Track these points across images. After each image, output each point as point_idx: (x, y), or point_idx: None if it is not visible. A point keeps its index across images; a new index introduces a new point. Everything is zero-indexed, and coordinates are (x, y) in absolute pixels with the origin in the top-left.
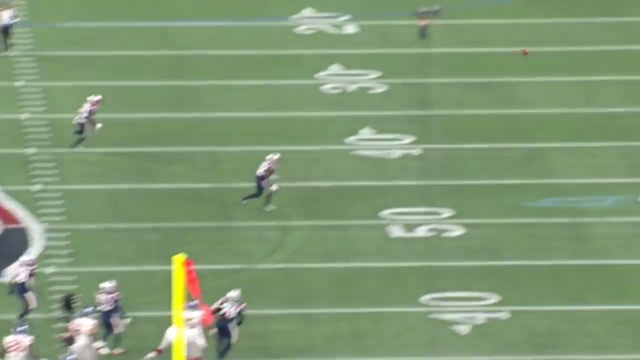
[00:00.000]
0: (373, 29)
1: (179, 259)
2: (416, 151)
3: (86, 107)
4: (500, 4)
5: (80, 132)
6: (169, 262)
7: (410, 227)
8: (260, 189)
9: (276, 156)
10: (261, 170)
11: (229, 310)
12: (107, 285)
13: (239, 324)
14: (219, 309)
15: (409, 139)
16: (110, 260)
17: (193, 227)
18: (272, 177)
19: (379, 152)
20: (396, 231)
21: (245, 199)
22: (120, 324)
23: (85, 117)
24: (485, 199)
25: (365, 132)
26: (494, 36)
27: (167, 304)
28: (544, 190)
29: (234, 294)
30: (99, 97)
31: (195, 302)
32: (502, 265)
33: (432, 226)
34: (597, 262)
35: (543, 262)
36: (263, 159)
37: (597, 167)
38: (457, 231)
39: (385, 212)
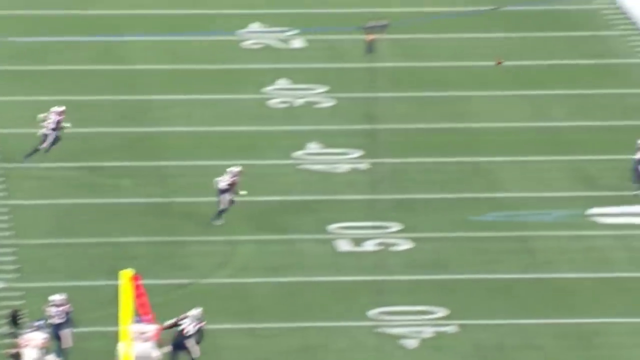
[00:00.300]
0: (320, 44)
1: (126, 274)
2: (364, 165)
3: (53, 118)
4: (447, 19)
5: (43, 142)
6: (117, 277)
7: (358, 241)
8: (230, 202)
9: (237, 168)
10: (224, 183)
11: (188, 327)
12: (56, 298)
13: (197, 342)
14: (177, 324)
15: (356, 153)
16: (57, 276)
17: (140, 242)
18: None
19: (327, 166)
20: (344, 245)
21: (220, 212)
22: (69, 338)
23: (52, 129)
24: (432, 213)
25: (313, 147)
26: (440, 51)
27: (116, 318)
28: (490, 204)
29: (195, 311)
30: (63, 108)
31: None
32: (449, 279)
33: (379, 240)
34: (544, 276)
35: (490, 276)
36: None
37: (543, 181)
38: (404, 245)
39: (333, 227)
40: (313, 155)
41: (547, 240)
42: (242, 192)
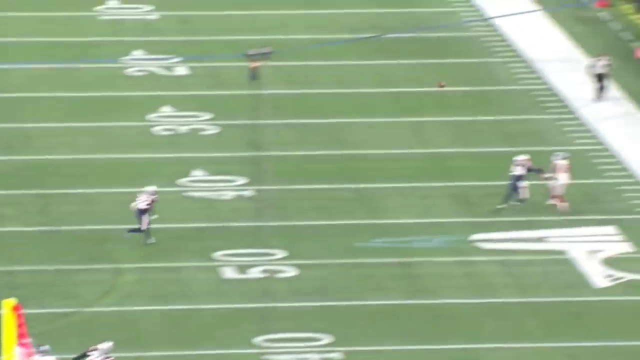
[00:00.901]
0: (204, 71)
1: (8, 303)
2: (248, 192)
3: None
4: (329, 47)
5: None
6: None
7: (243, 268)
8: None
9: (153, 188)
10: (143, 203)
11: (95, 359)
12: None
13: None
14: (85, 355)
15: (241, 181)
16: None
17: (24, 270)
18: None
19: (212, 193)
20: (229, 272)
21: (132, 230)
22: None
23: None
24: (317, 239)
25: (198, 174)
26: (323, 78)
27: None
28: (375, 230)
29: (105, 345)
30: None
31: (46, 346)
32: (335, 305)
33: (265, 267)
34: (428, 302)
35: (375, 302)
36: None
37: (426, 207)
38: (289, 272)
39: (218, 254)
40: (198, 183)
41: (431, 266)
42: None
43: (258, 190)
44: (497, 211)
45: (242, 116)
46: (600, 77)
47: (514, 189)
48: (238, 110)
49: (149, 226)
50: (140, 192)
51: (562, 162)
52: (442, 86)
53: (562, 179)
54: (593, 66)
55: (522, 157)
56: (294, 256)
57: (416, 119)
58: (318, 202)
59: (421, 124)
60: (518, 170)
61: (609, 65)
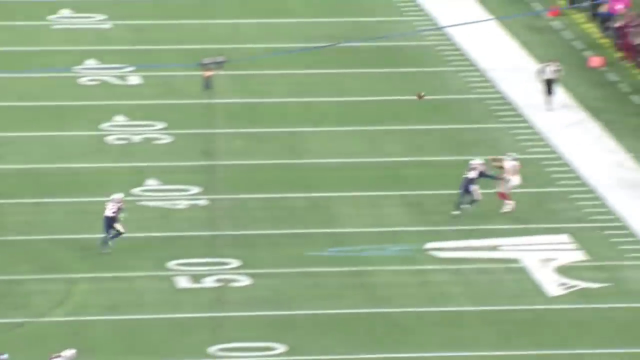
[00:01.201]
0: (157, 80)
1: None
2: (203, 202)
3: None
4: (283, 56)
5: None
6: None
7: (197, 277)
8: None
9: (120, 195)
10: (110, 211)
11: None
12: None
13: None
14: None
15: (195, 190)
16: None
17: None
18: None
19: (166, 202)
20: (183, 282)
21: (108, 240)
22: None
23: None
24: (271, 248)
25: (151, 183)
26: (277, 87)
27: None
28: (329, 239)
29: (68, 353)
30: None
31: (5, 355)
32: (289, 314)
33: (219, 277)
34: (382, 311)
35: (329, 311)
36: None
37: (380, 216)
38: (244, 281)
39: (172, 263)
40: (152, 192)
41: (385, 275)
42: (122, 229)
43: (212, 200)
44: (453, 218)
45: (195, 125)
46: (549, 83)
47: (466, 191)
48: (192, 119)
49: (111, 237)
50: (108, 200)
51: (512, 163)
52: (422, 97)
53: (513, 180)
54: (542, 72)
55: (477, 161)
56: (247, 265)
57: (370, 127)
58: (272, 212)
59: (375, 133)
60: (472, 174)
61: (558, 70)
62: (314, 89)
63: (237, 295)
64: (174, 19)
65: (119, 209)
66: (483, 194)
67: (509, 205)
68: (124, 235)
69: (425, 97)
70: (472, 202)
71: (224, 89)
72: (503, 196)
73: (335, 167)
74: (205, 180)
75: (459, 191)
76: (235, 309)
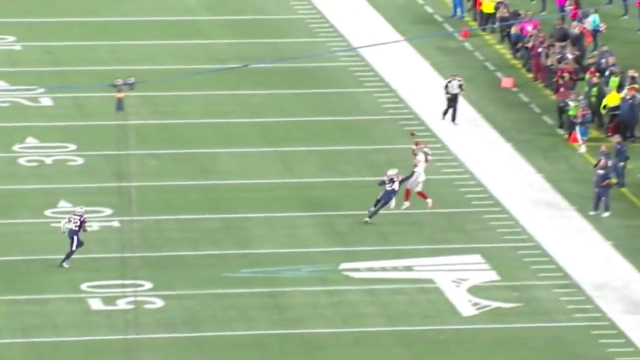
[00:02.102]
0: (69, 102)
1: None
2: (115, 223)
3: None
4: (196, 77)
5: None
6: None
7: (110, 299)
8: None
9: (82, 209)
10: (74, 224)
11: None
12: None
13: None
14: None
15: (108, 211)
16: None
17: None
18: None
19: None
20: (96, 304)
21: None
22: None
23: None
24: (185, 270)
25: (64, 205)
26: (189, 108)
27: None
28: (243, 260)
29: None
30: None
31: None
32: (203, 336)
33: (132, 299)
34: (297, 331)
35: (244, 332)
36: None
37: (294, 237)
38: (157, 303)
39: (86, 285)
40: (64, 214)
41: (300, 296)
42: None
43: (125, 221)
44: (365, 224)
45: (107, 147)
46: (454, 98)
47: (385, 202)
48: (104, 140)
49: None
50: (70, 213)
51: (425, 151)
52: (413, 134)
53: (422, 176)
54: (446, 87)
55: (394, 171)
56: (161, 287)
57: (283, 148)
58: (185, 233)
59: (288, 154)
60: (396, 186)
61: (460, 85)
62: (227, 110)
63: (151, 317)
64: (85, 40)
65: (82, 222)
66: (397, 214)
67: (407, 203)
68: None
69: (417, 134)
70: (385, 204)
71: (136, 110)
72: (407, 196)
73: (248, 188)
74: (118, 201)
75: (379, 200)
76: (150, 330)
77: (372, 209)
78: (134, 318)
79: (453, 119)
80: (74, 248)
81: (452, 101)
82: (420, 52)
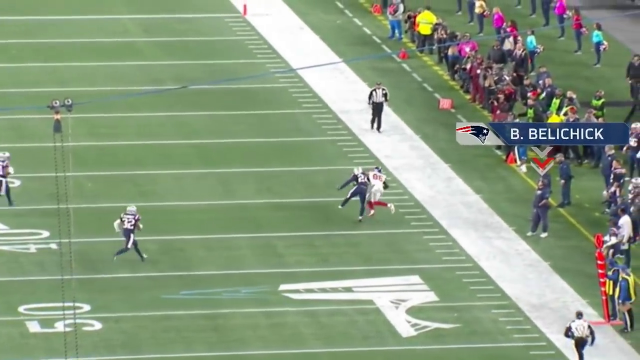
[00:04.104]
0: (5, 123)
1: None
2: (53, 245)
3: None
4: (131, 99)
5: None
6: None
7: (48, 322)
8: None
9: (133, 208)
10: (129, 224)
11: None
12: None
13: None
14: None
15: (45, 234)
16: None
17: None
18: None
19: (15, 246)
20: (34, 327)
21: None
22: None
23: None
24: (123, 292)
25: (1, 227)
26: (127, 129)
27: None
28: (182, 282)
29: None
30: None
31: None
32: (142, 358)
33: (70, 321)
34: (236, 353)
35: (183, 354)
36: None
37: (233, 258)
38: (96, 325)
39: (23, 308)
40: (1, 236)
41: (239, 317)
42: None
43: (62, 243)
44: (358, 223)
45: (44, 168)
46: (379, 106)
47: (362, 195)
48: (40, 162)
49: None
50: (125, 213)
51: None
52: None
53: (377, 184)
54: (370, 95)
55: (358, 170)
56: (99, 309)
57: (221, 170)
58: (124, 255)
59: (226, 175)
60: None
61: (385, 94)
62: (164, 131)
63: (89, 340)
64: (21, 62)
65: (137, 221)
66: (337, 235)
67: (372, 212)
68: None
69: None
70: (361, 207)
71: (73, 131)
72: (371, 205)
73: (186, 210)
74: (55, 223)
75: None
76: (88, 353)
77: (344, 202)
78: (73, 340)
79: (378, 127)
80: (129, 246)
81: (377, 110)
82: (358, 73)
